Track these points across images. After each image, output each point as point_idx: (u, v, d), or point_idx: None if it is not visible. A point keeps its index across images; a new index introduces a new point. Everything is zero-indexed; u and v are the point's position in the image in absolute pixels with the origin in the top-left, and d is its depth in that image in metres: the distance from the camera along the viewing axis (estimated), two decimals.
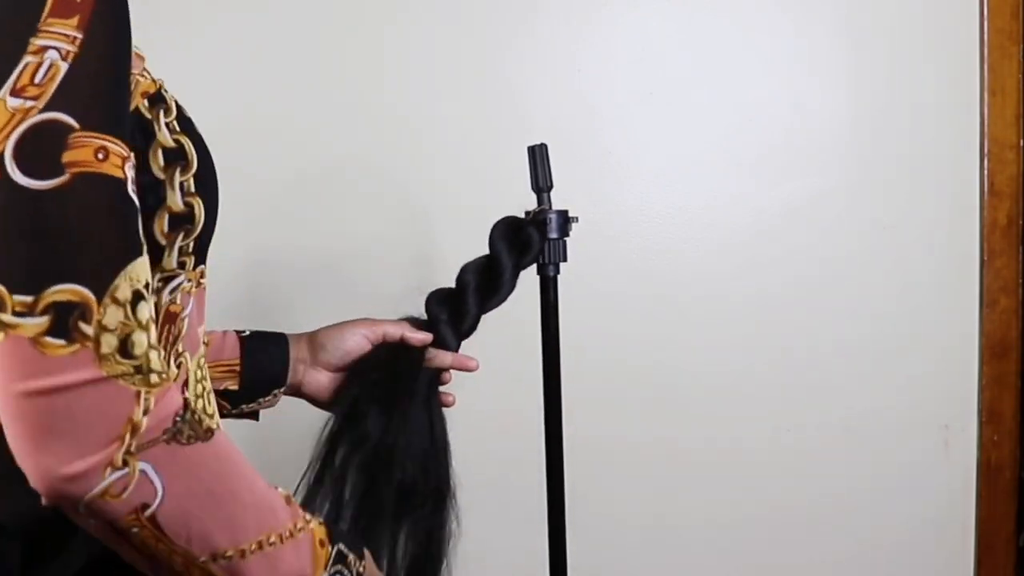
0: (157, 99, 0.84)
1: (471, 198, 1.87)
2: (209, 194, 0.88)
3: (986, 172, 1.94)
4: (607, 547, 1.97)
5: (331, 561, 0.84)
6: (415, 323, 1.20)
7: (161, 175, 0.82)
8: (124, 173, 0.70)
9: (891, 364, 1.98)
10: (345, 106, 1.92)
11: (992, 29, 1.92)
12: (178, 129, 0.85)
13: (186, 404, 0.74)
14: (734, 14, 1.94)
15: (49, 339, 0.67)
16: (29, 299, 0.67)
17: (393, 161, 1.93)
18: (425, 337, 1.18)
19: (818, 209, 1.96)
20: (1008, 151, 1.94)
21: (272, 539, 0.78)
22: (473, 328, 1.19)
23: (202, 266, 0.90)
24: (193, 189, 0.85)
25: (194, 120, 0.89)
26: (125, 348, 0.69)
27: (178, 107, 0.87)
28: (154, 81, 0.86)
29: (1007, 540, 2.01)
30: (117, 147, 0.70)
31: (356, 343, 1.19)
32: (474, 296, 1.17)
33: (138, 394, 0.69)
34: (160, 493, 0.71)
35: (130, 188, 0.71)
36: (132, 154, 0.72)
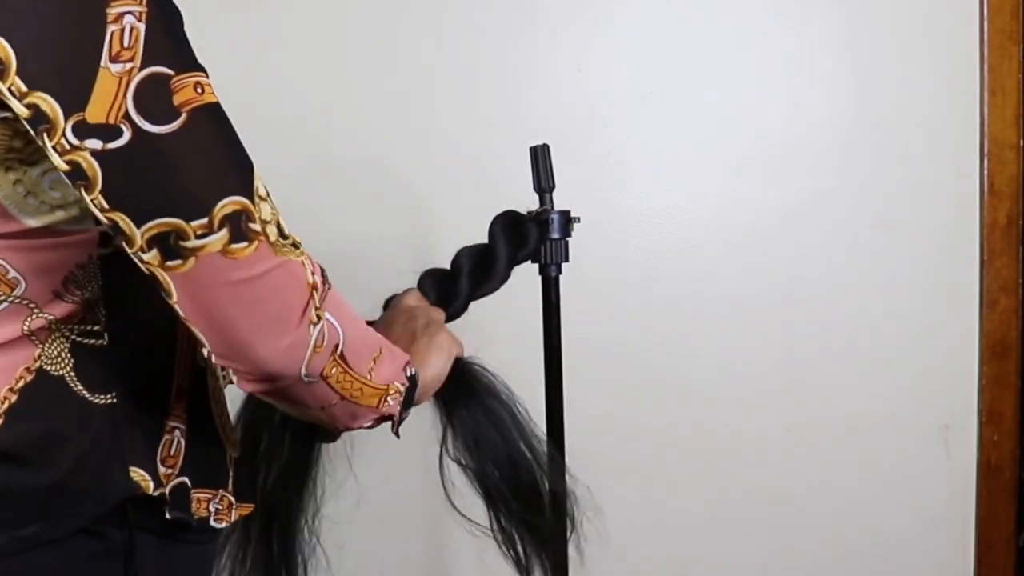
0: None
1: (472, 198, 1.87)
2: None
3: (986, 172, 1.95)
4: (609, 545, 1.97)
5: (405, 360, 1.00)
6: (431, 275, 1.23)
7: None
8: (216, 97, 0.81)
9: (891, 364, 1.98)
10: (345, 106, 1.92)
11: (992, 29, 1.92)
12: None
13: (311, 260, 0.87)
14: (734, 15, 1.94)
15: (234, 246, 0.78)
16: (205, 220, 0.77)
17: (394, 161, 1.93)
18: None
19: (818, 209, 1.96)
20: (1008, 151, 1.94)
21: (379, 343, 0.96)
22: (462, 310, 1.19)
23: None
24: None
25: None
26: (281, 231, 0.82)
27: None
28: None
29: (1007, 540, 2.01)
30: (204, 79, 0.80)
31: None
32: (467, 279, 1.17)
33: (303, 263, 0.83)
34: (340, 331, 0.87)
35: (223, 108, 0.82)
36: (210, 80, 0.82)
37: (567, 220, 1.22)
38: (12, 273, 0.83)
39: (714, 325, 1.96)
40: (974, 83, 1.94)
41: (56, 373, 0.86)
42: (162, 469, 0.90)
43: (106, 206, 0.76)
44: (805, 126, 1.95)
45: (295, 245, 0.83)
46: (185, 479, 0.92)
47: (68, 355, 0.86)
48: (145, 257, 0.78)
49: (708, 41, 1.95)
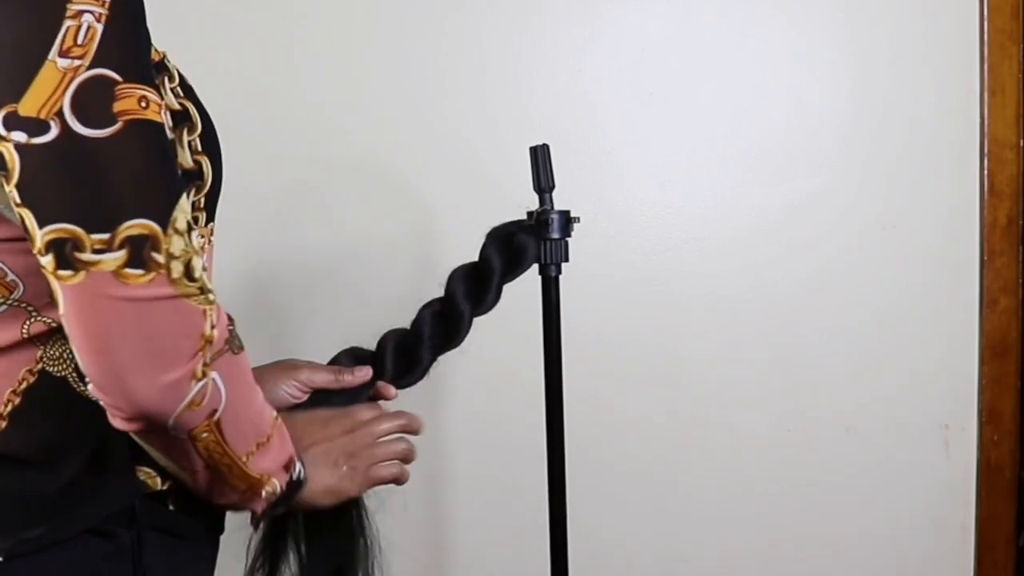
0: (160, 67, 0.91)
1: (472, 198, 1.88)
2: (214, 155, 0.95)
3: (986, 172, 1.94)
4: (609, 544, 1.97)
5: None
6: (352, 355, 1.15)
7: (171, 134, 0.87)
8: (162, 118, 0.78)
9: (891, 364, 1.98)
10: (346, 106, 1.92)
11: (992, 29, 1.92)
12: (182, 94, 0.92)
13: (230, 318, 0.84)
14: (734, 14, 1.94)
15: (129, 270, 0.74)
16: (106, 236, 0.74)
17: (394, 162, 1.93)
18: (363, 375, 1.12)
19: (818, 209, 1.96)
20: (1008, 151, 1.94)
21: (270, 431, 0.90)
22: (420, 376, 1.16)
23: (212, 223, 0.97)
24: (200, 148, 0.92)
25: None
26: (189, 272, 0.77)
27: (180, 76, 0.94)
28: (157, 51, 0.91)
29: (1007, 540, 2.01)
30: (153, 96, 0.77)
31: (283, 398, 1.09)
32: (428, 345, 1.15)
33: (204, 312, 0.79)
34: (224, 398, 0.82)
35: (168, 131, 0.80)
36: (163, 101, 0.80)
37: (567, 220, 1.22)
38: (10, 276, 0.83)
39: (714, 325, 1.96)
40: (974, 83, 1.94)
41: (58, 374, 0.86)
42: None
43: (18, 200, 0.75)
44: (805, 126, 1.95)
45: (203, 291, 0.79)
46: None
47: (69, 356, 0.85)
48: (43, 261, 0.75)
49: (708, 41, 1.95)
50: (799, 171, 1.96)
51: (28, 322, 0.85)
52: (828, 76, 1.95)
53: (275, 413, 0.93)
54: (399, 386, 1.15)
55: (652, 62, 1.94)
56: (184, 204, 0.78)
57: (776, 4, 1.94)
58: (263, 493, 0.91)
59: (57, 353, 0.86)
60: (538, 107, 1.93)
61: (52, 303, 0.83)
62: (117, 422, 0.81)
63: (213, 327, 0.79)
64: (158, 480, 0.88)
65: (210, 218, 0.97)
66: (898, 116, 1.95)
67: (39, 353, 0.86)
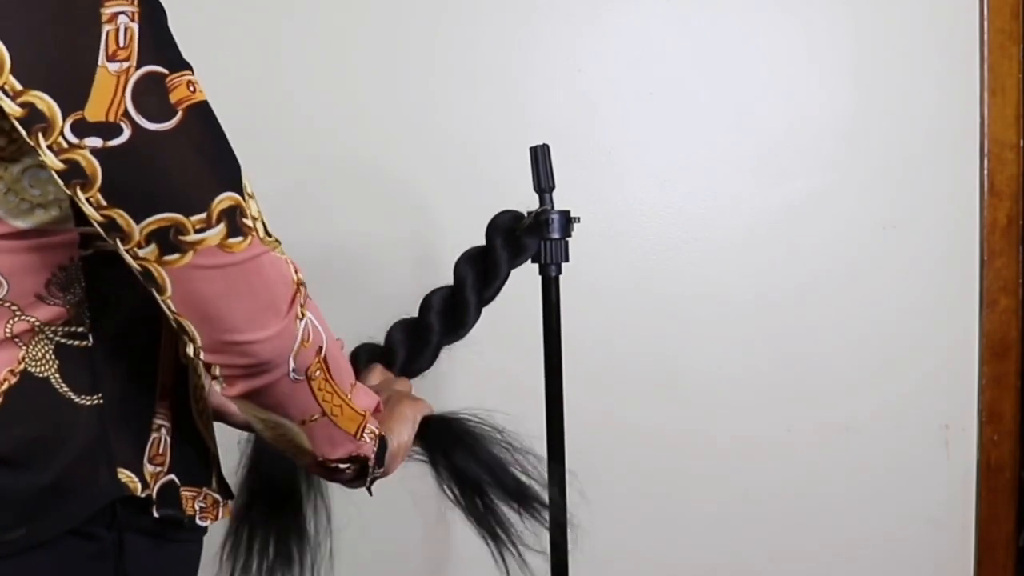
0: None
1: (472, 198, 1.87)
2: None
3: (986, 172, 1.95)
4: (609, 546, 1.97)
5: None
6: (368, 350, 1.20)
7: None
8: (205, 95, 0.82)
9: (891, 364, 1.98)
10: (345, 106, 1.92)
11: (992, 29, 1.92)
12: None
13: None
14: (734, 14, 1.94)
15: (231, 240, 0.80)
16: (203, 215, 0.78)
17: (394, 161, 1.93)
18: None
19: (818, 209, 1.96)
20: (1008, 151, 1.94)
21: (353, 375, 0.95)
22: (431, 363, 1.19)
23: None
24: None
25: None
26: (266, 229, 0.84)
27: None
28: None
29: (1007, 540, 2.01)
30: (194, 77, 0.81)
31: None
32: (439, 328, 1.17)
33: (287, 260, 0.85)
34: (324, 336, 0.87)
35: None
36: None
37: (567, 220, 1.22)
38: None
39: (714, 325, 1.96)
40: (974, 83, 1.94)
41: (41, 375, 0.86)
42: (150, 468, 0.90)
43: (104, 203, 0.77)
44: (805, 126, 1.95)
45: (278, 242, 0.85)
46: (173, 477, 0.92)
47: (52, 357, 0.87)
48: (141, 253, 0.78)
49: (708, 41, 1.95)
50: (799, 171, 1.96)
51: (11, 321, 0.85)
52: (828, 76, 1.95)
53: None
54: (413, 372, 1.18)
55: (652, 62, 1.94)
56: (243, 171, 0.84)
57: (776, 4, 1.94)
58: (368, 439, 0.95)
59: (40, 354, 0.87)
60: (538, 107, 1.93)
61: (37, 302, 0.85)
62: (237, 386, 0.84)
63: (296, 271, 0.85)
64: (138, 485, 0.89)
65: None
66: (898, 116, 1.95)
67: (21, 353, 0.86)
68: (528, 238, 1.20)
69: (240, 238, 0.80)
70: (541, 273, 1.24)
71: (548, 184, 1.22)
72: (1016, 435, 2.00)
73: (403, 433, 1.04)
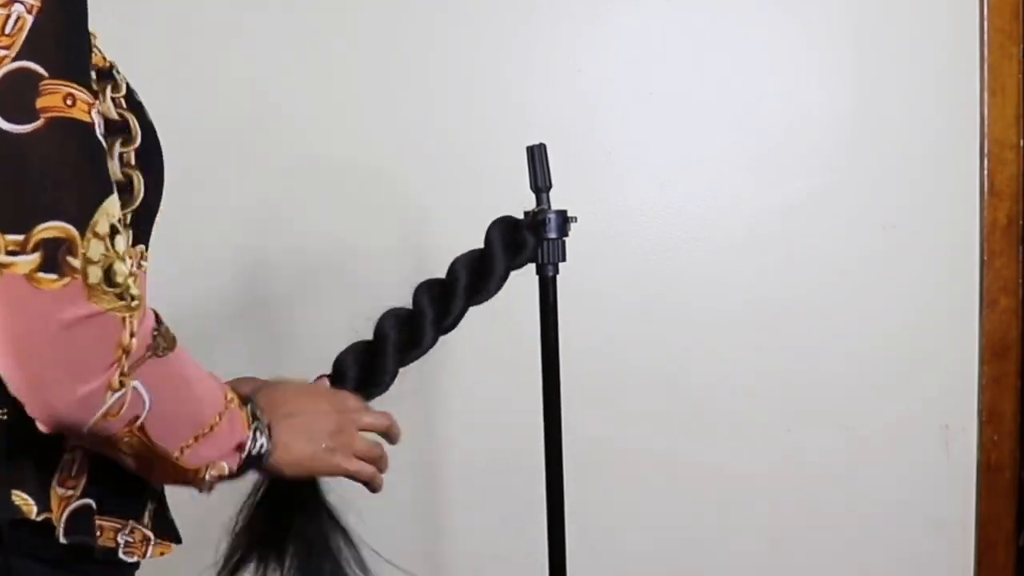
0: (105, 75, 0.87)
1: (471, 198, 1.87)
2: (152, 174, 0.90)
3: (986, 172, 1.94)
4: (606, 548, 1.97)
5: (250, 419, 0.92)
6: (354, 349, 1.14)
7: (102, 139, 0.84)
8: (91, 118, 0.75)
9: (891, 364, 1.98)
10: (344, 106, 1.92)
11: (992, 29, 1.92)
12: (124, 106, 0.88)
13: (157, 318, 0.81)
14: (734, 14, 1.94)
15: (42, 274, 0.71)
16: (20, 238, 0.71)
17: (392, 161, 1.93)
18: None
19: (818, 209, 1.96)
20: (1008, 151, 1.94)
21: (216, 419, 0.87)
22: (422, 351, 1.15)
23: (141, 246, 0.91)
24: (133, 162, 0.87)
25: (146, 106, 0.92)
26: (109, 278, 0.74)
27: (129, 89, 0.90)
28: (104, 58, 0.88)
29: (1007, 540, 2.00)
30: (83, 94, 0.74)
31: None
32: (392, 354, 1.12)
33: (124, 320, 0.75)
34: (147, 404, 0.79)
35: (98, 132, 0.76)
36: (97, 101, 0.77)
37: (564, 220, 1.22)
38: None
39: (713, 325, 1.96)
40: (974, 83, 1.93)
41: None
42: (60, 491, 0.84)
43: None
44: (805, 126, 1.95)
45: (123, 297, 0.75)
46: (89, 501, 0.86)
47: None
48: None
49: (708, 41, 1.95)
50: (799, 171, 1.96)
51: None
52: (829, 76, 1.95)
53: (229, 395, 0.90)
54: (411, 358, 1.14)
55: (652, 62, 1.94)
56: (109, 207, 0.75)
57: (776, 4, 1.94)
58: (206, 477, 0.88)
59: None
60: (537, 107, 1.93)
61: None
62: (40, 424, 0.78)
63: (132, 335, 0.76)
64: (34, 508, 0.82)
65: (141, 239, 0.91)
66: (898, 116, 1.95)
67: None
68: (527, 237, 1.19)
69: (54, 276, 0.71)
70: (538, 273, 1.24)
71: (545, 183, 1.21)
72: (1016, 435, 2.00)
73: (301, 451, 0.96)
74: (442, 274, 1.20)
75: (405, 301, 1.20)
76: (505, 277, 1.17)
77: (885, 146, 1.95)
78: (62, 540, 0.83)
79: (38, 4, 0.72)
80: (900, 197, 1.96)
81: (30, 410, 0.76)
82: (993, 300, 1.96)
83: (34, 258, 0.71)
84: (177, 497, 0.97)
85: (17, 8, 0.72)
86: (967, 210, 1.96)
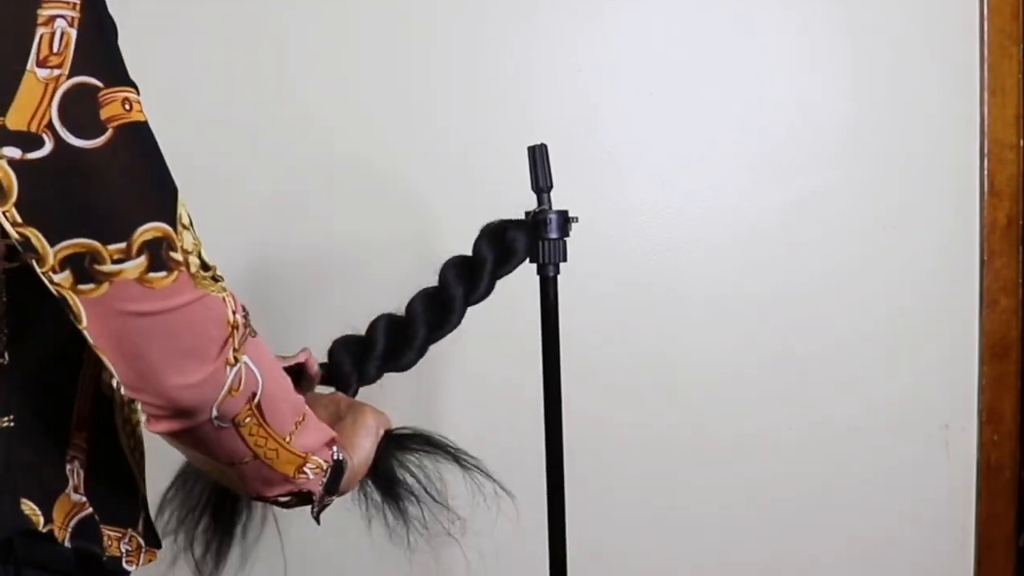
0: None
1: (471, 198, 1.87)
2: None
3: (986, 172, 1.94)
4: (607, 546, 1.97)
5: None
6: (345, 342, 1.16)
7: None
8: (144, 116, 0.76)
9: (891, 364, 1.98)
10: (344, 106, 1.92)
11: (992, 29, 1.92)
12: None
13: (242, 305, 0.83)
14: (735, 14, 1.94)
15: (152, 274, 0.74)
16: (123, 245, 0.73)
17: (393, 161, 1.93)
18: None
19: (818, 209, 1.96)
20: (1008, 151, 1.94)
21: (304, 408, 0.90)
22: (414, 358, 1.16)
23: None
24: None
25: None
26: (203, 263, 0.77)
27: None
28: None
29: (1007, 540, 2.01)
30: (134, 95, 0.76)
31: None
32: (381, 357, 1.14)
33: (224, 299, 0.78)
34: (260, 380, 0.81)
35: (150, 128, 0.77)
36: (141, 97, 0.78)
37: (565, 220, 1.22)
38: None
39: (714, 325, 1.96)
40: (974, 83, 1.94)
41: None
42: (65, 500, 0.84)
43: (19, 220, 0.72)
44: (805, 126, 1.95)
45: (216, 279, 0.79)
46: (92, 511, 0.86)
47: None
48: (56, 278, 0.73)
49: (709, 40, 1.95)
50: (800, 171, 1.96)
51: None
52: (829, 76, 1.95)
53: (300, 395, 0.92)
54: (396, 367, 1.15)
55: (652, 61, 1.94)
56: (182, 198, 0.77)
57: (777, 3, 1.94)
58: (311, 475, 0.90)
59: None
60: (538, 107, 1.93)
61: None
62: (159, 425, 0.80)
63: (235, 312, 0.79)
64: (41, 519, 0.82)
65: None
66: (899, 116, 1.95)
67: None
68: (516, 237, 1.20)
69: (163, 273, 0.74)
70: (539, 273, 1.24)
71: (546, 184, 1.22)
72: (1016, 435, 2.00)
73: (364, 446, 0.99)
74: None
75: (405, 299, 1.20)
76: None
77: (885, 146, 1.95)
78: (67, 546, 0.83)
79: (78, 16, 0.73)
80: (900, 197, 1.96)
81: (154, 404, 0.78)
82: (993, 300, 1.96)
83: (141, 261, 0.73)
84: None
85: (59, 24, 0.72)
86: (967, 210, 1.96)
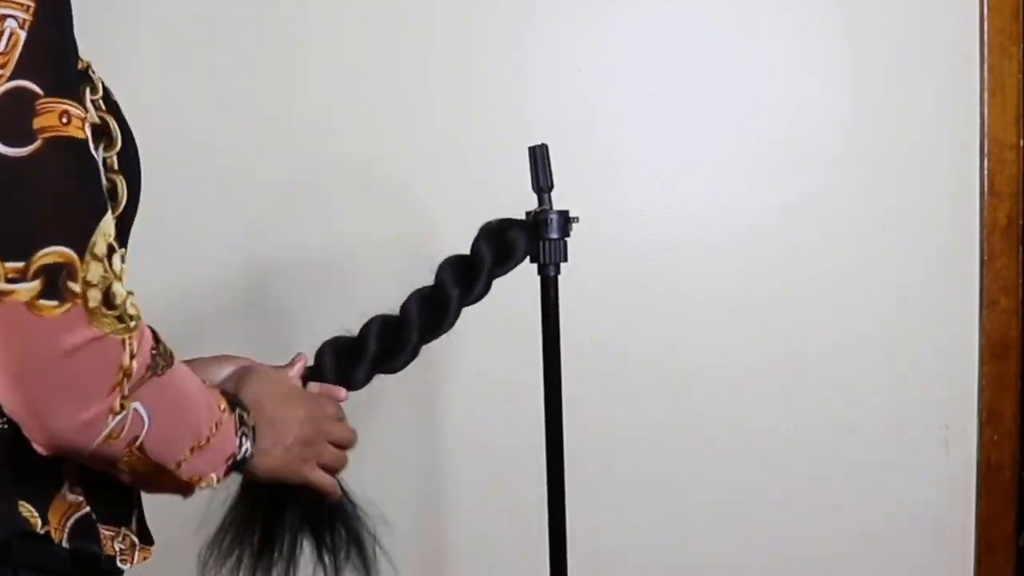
0: (83, 77, 0.85)
1: (471, 198, 1.87)
2: (132, 177, 0.89)
3: (986, 172, 1.94)
4: (606, 545, 1.97)
5: (239, 423, 0.92)
6: (335, 345, 1.14)
7: (94, 152, 0.82)
8: (85, 133, 0.73)
9: (891, 364, 1.98)
10: (344, 106, 1.92)
11: (992, 29, 1.92)
12: (104, 108, 0.86)
13: (155, 336, 0.80)
14: (734, 14, 1.94)
15: (43, 302, 0.70)
16: (20, 264, 0.69)
17: (393, 161, 1.93)
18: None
19: (818, 209, 1.96)
20: (1008, 151, 1.94)
21: (212, 430, 0.87)
22: (408, 359, 1.15)
23: (123, 250, 0.89)
24: (116, 167, 0.86)
25: (121, 105, 0.91)
26: (108, 300, 0.73)
27: (105, 89, 0.88)
28: (82, 60, 0.86)
29: (1007, 540, 2.00)
30: (76, 109, 0.72)
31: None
32: (416, 326, 1.14)
33: (123, 342, 0.74)
34: (147, 424, 0.78)
35: (91, 147, 0.74)
36: (88, 114, 0.75)
37: (566, 220, 1.22)
38: None
39: (713, 325, 1.96)
40: (974, 83, 1.94)
41: None
42: (62, 501, 0.84)
43: None
44: (805, 126, 1.95)
45: (123, 319, 0.74)
46: (89, 511, 0.85)
47: None
48: None
49: (708, 41, 1.95)
50: (799, 171, 1.96)
51: None
52: (828, 76, 1.95)
53: (222, 404, 0.90)
54: (388, 370, 1.14)
55: (652, 62, 1.94)
56: (106, 226, 0.74)
57: (776, 4, 1.94)
58: (196, 489, 0.89)
59: None
60: (538, 107, 1.93)
61: None
62: (37, 447, 0.78)
63: (133, 357, 0.75)
64: (38, 521, 0.81)
65: (122, 243, 0.88)
66: (898, 116, 1.95)
67: None
68: (516, 237, 1.19)
69: (55, 303, 0.70)
70: (540, 273, 1.24)
71: (547, 184, 1.21)
72: (1016, 435, 2.00)
73: (275, 460, 0.96)
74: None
75: (404, 299, 1.20)
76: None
77: (885, 146, 1.95)
78: (65, 546, 0.83)
79: (31, 19, 0.70)
80: (900, 197, 1.96)
81: (30, 435, 0.76)
82: (993, 300, 1.96)
83: (35, 285, 0.70)
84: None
85: (10, 24, 0.70)
86: (967, 210, 1.96)
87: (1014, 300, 1.96)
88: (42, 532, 0.82)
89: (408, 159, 1.92)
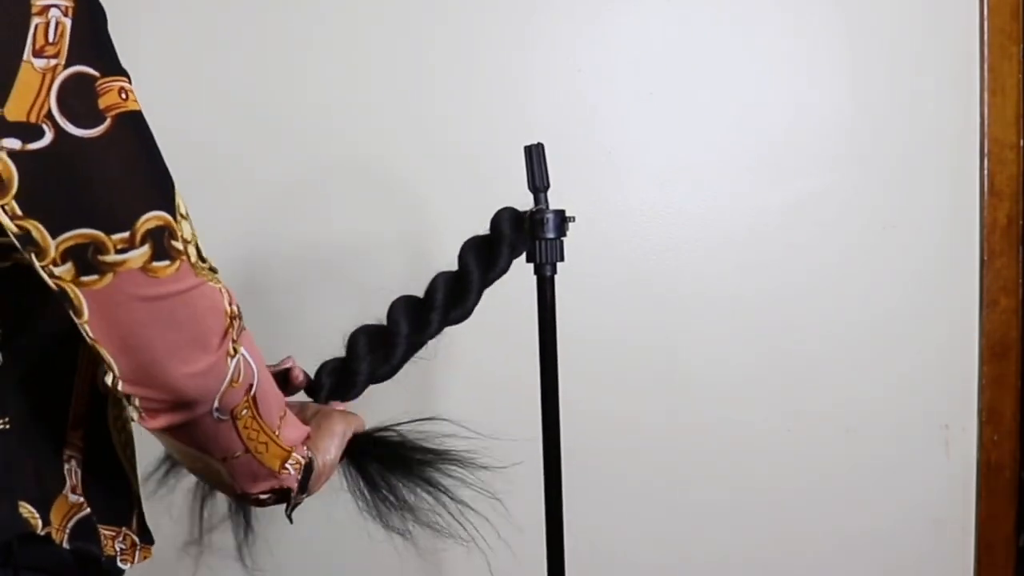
0: None
1: (471, 198, 1.87)
2: None
3: (986, 172, 1.94)
4: (605, 543, 1.97)
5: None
6: (367, 331, 1.17)
7: None
8: (139, 106, 0.76)
9: (891, 364, 1.97)
10: (344, 106, 1.92)
11: (992, 29, 1.92)
12: None
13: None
14: (734, 14, 1.94)
15: (156, 263, 0.74)
16: (126, 234, 0.73)
17: (393, 160, 1.93)
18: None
19: (818, 209, 1.96)
20: (1008, 151, 1.94)
21: (285, 403, 0.91)
22: (433, 333, 1.17)
23: None
24: None
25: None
26: (200, 253, 0.78)
27: None
28: None
29: (1007, 540, 2.00)
30: (127, 84, 0.75)
31: None
32: (366, 364, 1.15)
33: (221, 290, 0.79)
34: (255, 372, 0.82)
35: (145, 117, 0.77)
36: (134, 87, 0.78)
37: (562, 219, 1.22)
38: None
39: (712, 325, 1.96)
40: (974, 83, 1.93)
41: None
42: (62, 502, 0.84)
43: (19, 212, 0.71)
44: (805, 126, 1.95)
45: (213, 270, 0.79)
46: (89, 511, 0.86)
47: None
48: (57, 271, 0.73)
49: (707, 41, 1.95)
50: (799, 171, 1.96)
51: None
52: (828, 76, 1.95)
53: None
54: (375, 382, 1.16)
55: (652, 62, 1.94)
56: (178, 188, 0.77)
57: (776, 4, 1.94)
58: (292, 470, 0.91)
59: None
60: (537, 107, 1.93)
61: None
62: (157, 420, 0.79)
63: (231, 303, 0.80)
64: (39, 522, 0.81)
65: None
66: (898, 116, 1.95)
67: None
68: (519, 241, 1.20)
69: (166, 262, 0.74)
70: (536, 273, 1.24)
71: (543, 183, 1.21)
72: (1016, 435, 2.00)
73: (330, 449, 0.99)
74: (441, 269, 1.20)
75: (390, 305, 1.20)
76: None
77: (885, 146, 1.95)
78: (66, 547, 0.83)
79: (72, 5, 0.72)
80: (900, 197, 1.96)
81: (155, 398, 0.77)
82: (993, 300, 1.96)
83: (144, 250, 0.73)
84: None
85: (54, 13, 0.71)
86: (967, 210, 1.96)
87: (1014, 300, 1.96)
88: (43, 533, 0.82)
89: (408, 159, 1.92)
